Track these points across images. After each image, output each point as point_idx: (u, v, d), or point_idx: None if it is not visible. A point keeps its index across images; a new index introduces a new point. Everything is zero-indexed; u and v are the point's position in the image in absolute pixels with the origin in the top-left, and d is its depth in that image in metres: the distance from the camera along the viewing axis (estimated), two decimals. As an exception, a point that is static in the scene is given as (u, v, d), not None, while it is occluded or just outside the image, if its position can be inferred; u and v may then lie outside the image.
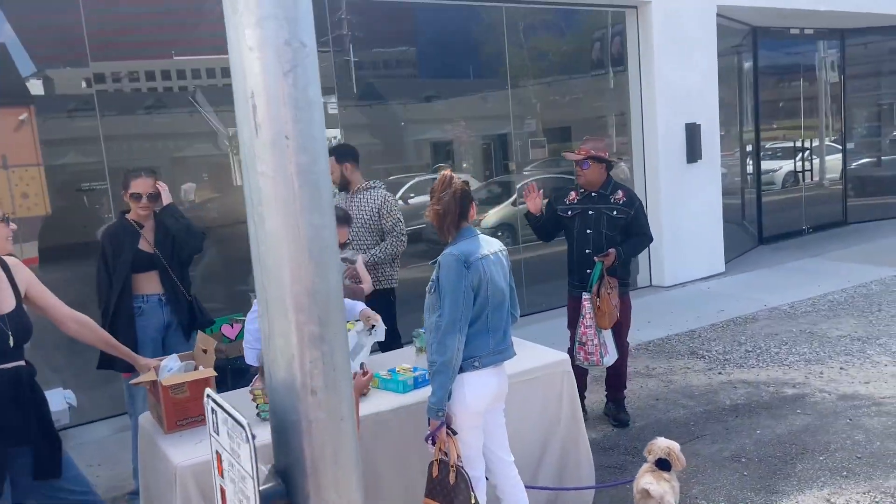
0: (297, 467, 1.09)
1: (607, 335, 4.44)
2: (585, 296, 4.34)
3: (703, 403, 5.04)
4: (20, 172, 8.97)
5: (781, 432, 4.51)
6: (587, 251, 4.41)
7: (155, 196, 3.89)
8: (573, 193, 4.59)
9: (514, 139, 9.21)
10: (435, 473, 2.92)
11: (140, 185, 3.86)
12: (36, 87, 9.91)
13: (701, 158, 8.46)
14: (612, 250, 4.32)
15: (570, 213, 4.54)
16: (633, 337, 6.49)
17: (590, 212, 4.48)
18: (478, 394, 2.91)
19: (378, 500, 3.16)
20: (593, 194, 4.50)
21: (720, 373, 5.61)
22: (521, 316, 3.12)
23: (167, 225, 3.88)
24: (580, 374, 4.69)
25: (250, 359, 3.57)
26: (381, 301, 4.37)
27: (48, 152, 9.43)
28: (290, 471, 1.10)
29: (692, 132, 8.37)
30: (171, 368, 3.29)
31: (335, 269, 1.10)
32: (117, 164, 10.99)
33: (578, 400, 3.74)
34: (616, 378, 4.74)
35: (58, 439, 2.86)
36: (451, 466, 2.86)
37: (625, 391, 4.82)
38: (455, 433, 2.89)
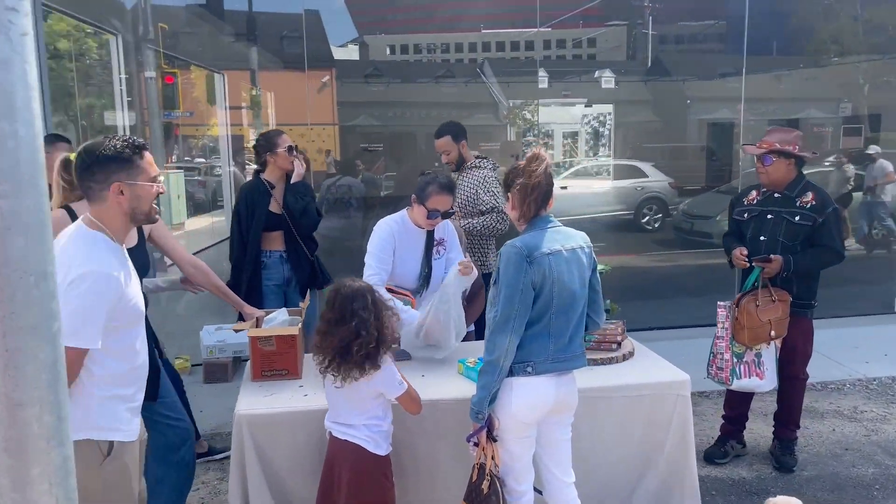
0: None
1: (768, 357, 3.75)
2: (722, 303, 3.69)
3: (906, 466, 4.07)
4: (318, 130, 10.13)
5: None
6: (757, 260, 3.74)
7: (295, 147, 4.14)
8: (754, 192, 3.91)
9: (813, 125, 8.16)
10: (474, 477, 2.71)
11: (289, 139, 4.10)
12: (339, 53, 11.02)
13: None
14: (776, 256, 3.62)
15: (746, 215, 3.89)
16: (857, 370, 5.46)
17: (768, 215, 3.79)
18: (526, 402, 2.62)
19: (434, 484, 3.04)
20: (776, 195, 3.80)
21: (952, 433, 4.48)
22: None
23: (287, 200, 4.06)
24: (742, 399, 4.05)
25: None
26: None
27: (343, 113, 10.47)
28: None
29: None
30: (277, 321, 3.45)
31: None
32: (398, 128, 11.81)
33: (691, 430, 3.21)
34: (785, 413, 4.01)
35: (157, 367, 3.15)
36: (487, 474, 2.64)
37: (797, 431, 4.06)
38: (495, 440, 2.65)
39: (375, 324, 2.59)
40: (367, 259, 3.41)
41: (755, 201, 3.88)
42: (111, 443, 2.34)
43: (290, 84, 10.20)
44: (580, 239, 2.73)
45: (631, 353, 3.47)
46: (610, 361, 3.37)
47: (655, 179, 8.55)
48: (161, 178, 2.42)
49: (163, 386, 3.17)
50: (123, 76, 7.36)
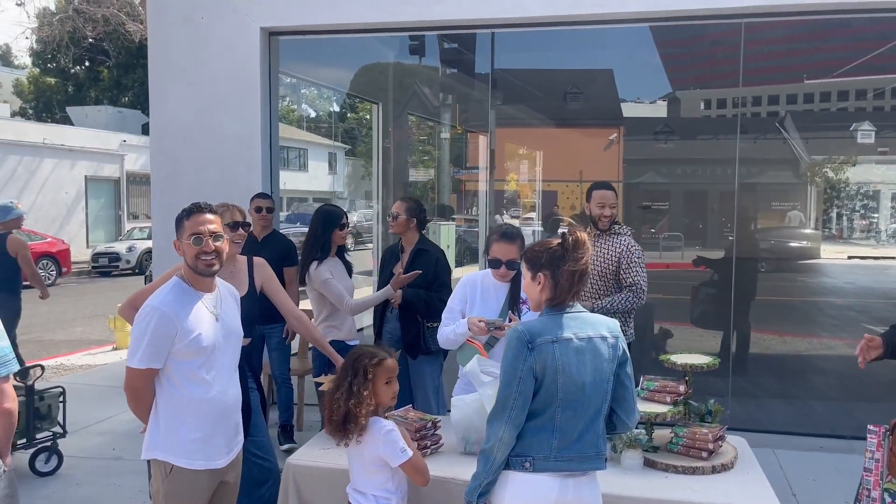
0: None
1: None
2: (873, 427, 2.86)
3: None
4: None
5: None
6: (934, 370, 2.89)
7: (396, 215, 4.31)
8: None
9: None
10: (471, 569, 2.52)
11: (394, 206, 4.34)
12: (628, 110, 11.10)
13: None
14: None
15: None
16: None
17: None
18: (519, 501, 2.37)
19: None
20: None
21: None
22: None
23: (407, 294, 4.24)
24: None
25: None
26: None
27: (629, 171, 10.51)
28: None
29: None
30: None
31: None
32: (684, 186, 11.44)
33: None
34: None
35: (249, 408, 3.48)
36: (482, 567, 2.44)
37: None
38: (490, 533, 2.44)
39: (345, 393, 2.70)
40: None
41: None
42: (172, 466, 2.67)
43: (569, 141, 10.38)
44: (602, 327, 2.42)
45: (726, 466, 2.91)
46: (693, 472, 2.87)
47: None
48: (212, 235, 2.68)
49: (255, 426, 3.48)
50: (381, 138, 8.26)
